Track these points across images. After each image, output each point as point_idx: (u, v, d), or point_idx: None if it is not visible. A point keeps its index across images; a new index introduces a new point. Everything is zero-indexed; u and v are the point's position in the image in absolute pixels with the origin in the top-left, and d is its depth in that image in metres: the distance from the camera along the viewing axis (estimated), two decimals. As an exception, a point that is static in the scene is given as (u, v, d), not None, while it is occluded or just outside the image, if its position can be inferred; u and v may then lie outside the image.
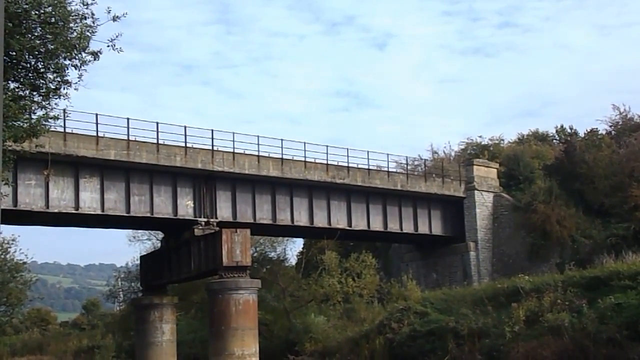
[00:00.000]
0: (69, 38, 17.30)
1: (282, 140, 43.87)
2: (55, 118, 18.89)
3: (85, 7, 17.53)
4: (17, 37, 16.54)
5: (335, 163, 46.31)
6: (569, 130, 63.30)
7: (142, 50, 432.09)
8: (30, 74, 17.61)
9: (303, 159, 44.68)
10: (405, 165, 52.68)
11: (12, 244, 48.24)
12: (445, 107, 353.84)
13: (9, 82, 17.24)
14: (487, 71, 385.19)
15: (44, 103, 18.08)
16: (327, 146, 46.22)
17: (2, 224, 40.61)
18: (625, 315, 30.76)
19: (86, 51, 17.73)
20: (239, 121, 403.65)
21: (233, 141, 41.79)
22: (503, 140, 66.34)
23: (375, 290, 48.20)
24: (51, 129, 20.57)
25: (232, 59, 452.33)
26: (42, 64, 17.49)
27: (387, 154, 49.68)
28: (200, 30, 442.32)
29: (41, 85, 17.79)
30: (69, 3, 17.43)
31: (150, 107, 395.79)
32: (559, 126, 66.44)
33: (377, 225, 49.53)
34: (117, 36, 17.62)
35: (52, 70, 17.57)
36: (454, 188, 52.84)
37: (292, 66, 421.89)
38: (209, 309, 39.68)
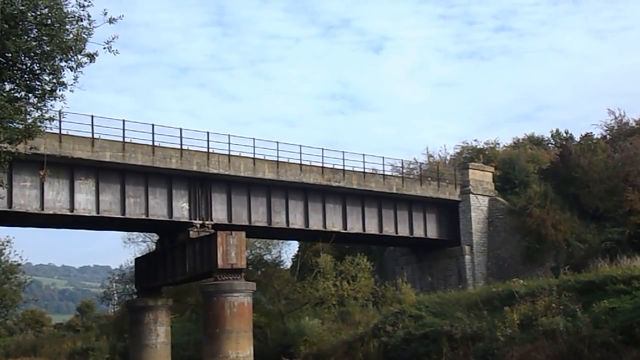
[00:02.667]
0: (65, 40, 17.27)
1: (277, 142, 43.89)
2: (51, 119, 18.82)
3: (82, 9, 17.51)
4: (13, 38, 16.52)
5: (331, 166, 46.31)
6: (564, 135, 63.53)
7: (138, 52, 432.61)
8: (26, 76, 17.58)
9: (298, 161, 44.66)
10: (401, 169, 52.64)
11: (7, 245, 48.36)
12: (441, 110, 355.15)
13: (5, 83, 17.22)
14: (483, 75, 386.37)
15: (39, 104, 18.04)
16: (322, 149, 46.27)
17: (-4, 225, 40.67)
18: (619, 319, 30.82)
19: (82, 53, 17.69)
20: (235, 123, 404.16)
21: (229, 143, 41.79)
22: (498, 144, 66.39)
23: (370, 294, 48.18)
24: (46, 131, 20.47)
25: (228, 61, 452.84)
26: (37, 65, 17.46)
27: (383, 157, 49.66)
28: (196, 32, 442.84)
29: (37, 86, 17.76)
30: (65, 5, 17.41)
31: (145, 108, 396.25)
32: (554, 130, 66.72)
33: (372, 228, 49.53)
34: (113, 38, 17.59)
35: (47, 72, 17.54)
36: (449, 191, 52.88)
37: (288, 69, 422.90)
38: (204, 312, 39.63)
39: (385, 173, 49.69)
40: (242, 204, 43.55)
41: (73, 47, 17.37)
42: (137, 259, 50.19)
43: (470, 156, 62.45)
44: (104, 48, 17.60)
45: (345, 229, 48.13)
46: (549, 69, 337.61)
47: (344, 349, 41.57)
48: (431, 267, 55.10)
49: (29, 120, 17.98)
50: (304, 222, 46.21)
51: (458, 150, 65.87)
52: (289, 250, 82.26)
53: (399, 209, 50.95)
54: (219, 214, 42.42)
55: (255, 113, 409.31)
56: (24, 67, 17.46)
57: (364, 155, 48.15)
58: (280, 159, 43.76)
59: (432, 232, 52.90)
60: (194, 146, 40.65)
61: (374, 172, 49.48)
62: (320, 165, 45.69)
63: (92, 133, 36.99)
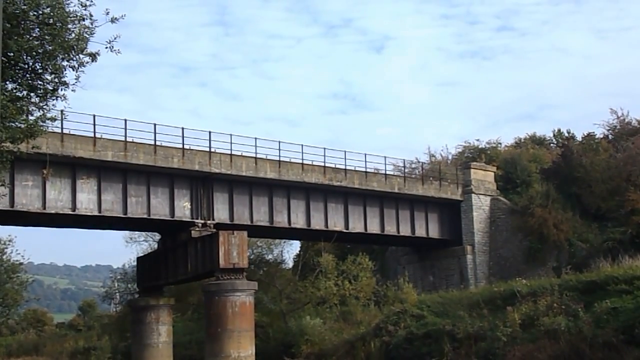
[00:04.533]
0: (67, 39, 17.30)
1: (279, 142, 43.95)
2: (53, 119, 18.88)
3: (84, 8, 17.56)
4: (15, 38, 16.54)
5: (333, 165, 46.32)
6: (566, 134, 63.41)
7: (140, 52, 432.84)
8: (28, 75, 17.61)
9: (300, 161, 44.67)
10: (403, 168, 52.64)
11: (9, 244, 48.27)
12: (443, 110, 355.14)
13: (7, 82, 17.23)
14: (485, 74, 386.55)
15: (41, 104, 18.08)
16: (324, 148, 46.33)
17: (-2, 224, 40.69)
18: (621, 319, 30.81)
19: (84, 52, 17.73)
20: (237, 123, 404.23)
21: (230, 143, 41.84)
22: (500, 143, 66.27)
23: (372, 293, 48.18)
24: (48, 130, 20.54)
25: (230, 60, 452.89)
26: (39, 65, 17.49)
27: (385, 157, 49.65)
28: (198, 31, 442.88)
29: (39, 86, 17.79)
30: (67, 4, 17.44)
31: (147, 108, 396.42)
32: (556, 130, 66.62)
33: (374, 227, 49.53)
34: (115, 38, 17.64)
35: (49, 71, 17.56)
36: (451, 191, 52.86)
37: (290, 68, 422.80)
38: (206, 311, 39.65)
39: (387, 173, 49.67)
40: (244, 204, 43.57)
41: (75, 47, 17.40)
42: (139, 259, 50.24)
43: (472, 156, 62.41)
44: (106, 47, 17.67)
45: (347, 229, 48.14)
46: (551, 69, 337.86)
47: (346, 348, 41.56)
48: (433, 267, 55.08)
49: (31, 120, 18.01)
50: (306, 221, 46.22)
51: (460, 150, 65.83)
52: (290, 250, 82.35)
53: (401, 209, 50.94)
54: (220, 214, 42.43)
55: (257, 112, 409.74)
56: (26, 66, 17.48)
57: (365, 154, 48.30)
58: (282, 159, 43.78)
59: (434, 232, 52.89)
60: (196, 146, 40.73)
61: (376, 171, 49.47)
62: (322, 164, 45.71)
63: (94, 132, 37.03)
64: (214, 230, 40.27)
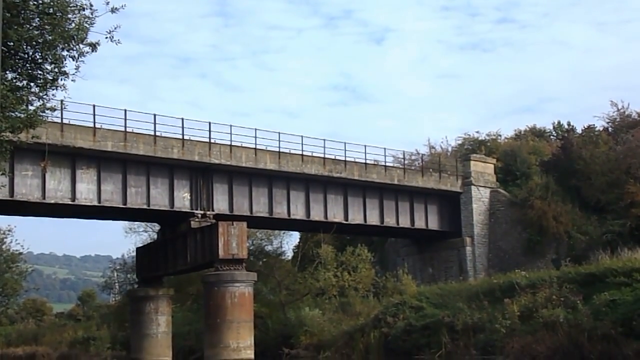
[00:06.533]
0: (67, 29, 17.25)
1: (279, 133, 43.92)
2: (53, 109, 18.85)
3: (84, -2, 17.50)
4: (15, 27, 16.48)
5: (333, 157, 46.28)
6: (566, 127, 63.34)
7: (140, 43, 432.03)
8: (27, 65, 17.55)
9: (300, 152, 44.64)
10: (403, 160, 52.64)
11: (8, 234, 48.51)
12: (443, 102, 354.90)
13: (7, 72, 17.19)
14: (485, 67, 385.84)
15: (41, 94, 18.03)
16: (324, 140, 46.31)
17: (-2, 214, 40.71)
18: (620, 311, 30.88)
19: (84, 42, 17.68)
20: (237, 114, 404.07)
21: (230, 134, 41.81)
22: (500, 135, 66.23)
23: (371, 285, 48.24)
24: (48, 120, 20.51)
25: (230, 51, 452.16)
26: (39, 54, 17.43)
27: (384, 149, 49.62)
28: (197, 22, 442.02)
29: (39, 76, 17.73)
30: (68, -7, 17.38)
31: (147, 99, 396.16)
32: (556, 122, 66.57)
33: (373, 219, 49.53)
34: (115, 28, 17.59)
35: (49, 61, 17.51)
36: (450, 183, 52.85)
37: (290, 60, 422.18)
38: (205, 302, 39.69)
39: (387, 164, 49.65)
40: (243, 195, 43.56)
41: (75, 37, 17.35)
42: (138, 249, 50.26)
43: (471, 148, 62.39)
44: (106, 38, 17.61)
45: (347, 220, 48.14)
46: (551, 61, 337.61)
47: (345, 339, 41.66)
48: (432, 259, 55.12)
49: (31, 109, 17.97)
50: (305, 212, 46.22)
51: (460, 142, 65.79)
52: (290, 241, 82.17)
53: (400, 200, 50.94)
54: (220, 204, 42.43)
55: (257, 104, 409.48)
56: (26, 56, 17.44)
57: (365, 146, 48.27)
58: (281, 150, 43.74)
59: (434, 224, 52.89)
60: (195, 136, 40.69)
61: (376, 163, 49.44)
62: (322, 156, 45.68)
63: (94, 123, 37.00)
64: (214, 221, 40.27)
